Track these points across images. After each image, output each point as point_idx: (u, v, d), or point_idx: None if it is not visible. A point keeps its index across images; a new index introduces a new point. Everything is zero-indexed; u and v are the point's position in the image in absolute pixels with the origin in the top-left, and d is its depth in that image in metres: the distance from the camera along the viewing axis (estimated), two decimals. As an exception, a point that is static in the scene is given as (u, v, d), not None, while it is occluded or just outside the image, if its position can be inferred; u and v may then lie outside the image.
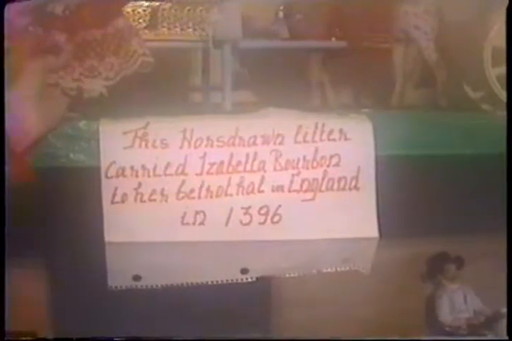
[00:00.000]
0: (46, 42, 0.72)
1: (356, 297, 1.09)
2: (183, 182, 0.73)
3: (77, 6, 0.74)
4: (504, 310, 0.86)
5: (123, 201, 0.72)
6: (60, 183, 0.80)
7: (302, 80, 0.94)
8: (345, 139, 0.76)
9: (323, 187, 0.76)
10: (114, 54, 0.75)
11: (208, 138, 0.73)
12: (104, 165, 0.72)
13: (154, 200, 0.73)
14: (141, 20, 0.83)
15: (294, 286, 1.00)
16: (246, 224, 0.75)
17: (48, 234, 0.95)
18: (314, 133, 0.75)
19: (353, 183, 0.76)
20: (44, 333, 0.91)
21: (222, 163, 0.74)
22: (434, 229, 1.05)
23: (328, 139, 0.75)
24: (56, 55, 0.72)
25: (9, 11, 0.70)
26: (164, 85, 0.89)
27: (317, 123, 0.75)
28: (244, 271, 0.77)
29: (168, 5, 0.83)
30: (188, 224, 0.74)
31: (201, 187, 0.74)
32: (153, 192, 0.73)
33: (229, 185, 0.74)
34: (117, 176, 0.72)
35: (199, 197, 0.74)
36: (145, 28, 0.83)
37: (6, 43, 0.69)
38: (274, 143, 0.74)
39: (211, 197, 0.74)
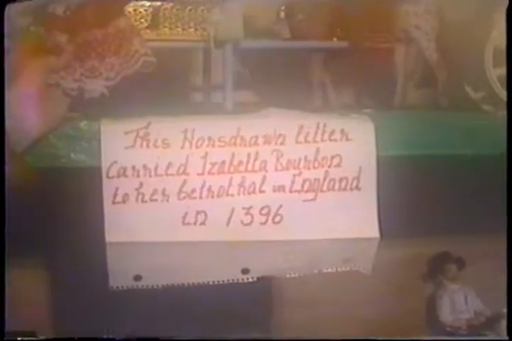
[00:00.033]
0: (47, 43, 0.72)
1: (357, 297, 1.09)
2: (185, 182, 0.73)
3: (78, 7, 0.74)
4: (505, 310, 0.86)
5: (124, 201, 0.73)
6: (61, 183, 0.80)
7: (303, 80, 0.94)
8: (347, 139, 0.76)
9: (325, 188, 0.76)
10: (115, 54, 0.75)
11: (210, 138, 0.73)
12: (105, 165, 0.72)
13: (155, 200, 0.73)
14: (142, 20, 0.83)
15: (294, 286, 1.00)
16: (247, 224, 0.75)
17: (48, 234, 0.95)
18: (316, 133, 0.75)
19: (355, 183, 0.76)
20: (45, 333, 0.91)
21: (223, 162, 0.74)
22: (435, 229, 1.04)
23: (330, 139, 0.75)
24: (57, 55, 0.72)
25: (10, 11, 0.70)
26: (165, 85, 0.89)
27: (318, 124, 0.75)
28: (245, 271, 0.77)
29: (169, 5, 0.83)
30: (189, 224, 0.74)
31: (202, 187, 0.74)
32: (155, 192, 0.73)
33: (230, 185, 0.74)
34: (118, 176, 0.72)
35: (200, 197, 0.74)
36: (146, 27, 0.83)
37: (7, 43, 0.69)
38: (276, 143, 0.75)
39: (212, 197, 0.74)
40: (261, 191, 0.75)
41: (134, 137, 0.72)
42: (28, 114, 0.68)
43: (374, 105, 0.94)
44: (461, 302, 1.03)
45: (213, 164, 0.74)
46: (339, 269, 0.80)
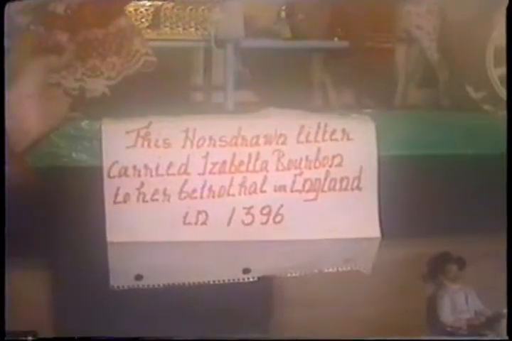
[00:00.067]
0: (48, 42, 0.72)
1: (358, 297, 1.09)
2: (186, 181, 0.73)
3: (79, 6, 0.74)
4: (505, 310, 0.86)
5: (125, 201, 0.72)
6: (62, 183, 0.80)
7: (304, 80, 0.94)
8: (348, 139, 0.76)
9: (326, 187, 0.76)
10: (116, 53, 0.75)
11: (211, 138, 0.73)
12: (106, 164, 0.72)
13: (156, 200, 0.73)
14: (143, 20, 0.83)
15: (295, 286, 1.00)
16: (248, 224, 0.75)
17: (50, 233, 0.95)
18: (317, 133, 0.75)
19: (356, 183, 0.76)
20: (46, 333, 0.91)
21: (224, 162, 0.74)
22: (435, 229, 1.05)
23: (331, 139, 0.75)
24: (58, 54, 0.72)
25: (10, 9, 0.70)
26: (166, 85, 0.88)
27: (319, 123, 0.75)
28: (246, 271, 0.77)
29: (170, 4, 0.82)
30: (190, 223, 0.74)
31: (203, 186, 0.74)
32: (156, 191, 0.73)
33: (231, 184, 0.74)
34: (120, 176, 0.72)
35: (201, 197, 0.74)
36: (147, 27, 0.83)
37: (7, 42, 0.69)
38: (277, 143, 0.74)
39: (213, 196, 0.74)
40: (262, 191, 0.75)
41: (135, 137, 0.72)
42: (29, 114, 0.68)
43: (375, 105, 0.94)
44: (461, 303, 1.03)
45: (214, 164, 0.74)
46: (340, 269, 0.80)
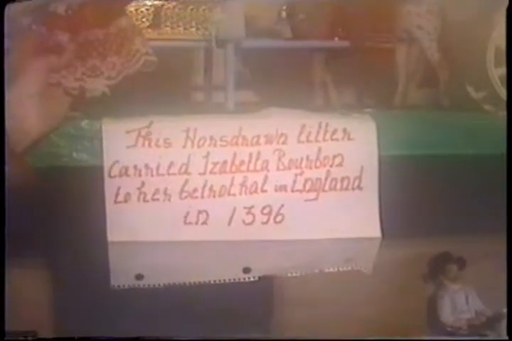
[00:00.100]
0: (48, 42, 0.72)
1: (358, 297, 1.09)
2: (186, 181, 0.73)
3: (80, 6, 0.74)
4: (505, 310, 0.86)
5: (126, 200, 0.72)
6: (63, 182, 0.80)
7: (305, 80, 0.94)
8: (349, 139, 0.75)
9: (326, 187, 0.76)
10: (117, 53, 0.75)
11: (211, 138, 0.73)
12: (107, 164, 0.72)
13: (157, 200, 0.73)
14: (144, 20, 0.83)
15: (296, 286, 1.00)
16: (249, 224, 0.75)
17: (50, 233, 0.95)
18: (318, 132, 0.75)
19: (356, 183, 0.76)
20: (46, 333, 0.91)
21: (225, 162, 0.74)
22: (436, 229, 1.05)
23: (332, 139, 0.75)
24: (58, 54, 0.72)
25: (10, 10, 0.70)
26: (167, 84, 0.89)
27: (320, 123, 0.75)
28: (246, 270, 0.77)
29: (171, 4, 0.83)
30: (190, 223, 0.74)
31: (204, 186, 0.74)
32: (157, 191, 0.73)
33: (232, 184, 0.74)
34: (120, 175, 0.72)
35: (202, 197, 0.74)
36: (148, 27, 0.83)
37: (7, 43, 0.69)
38: (278, 143, 0.74)
39: (214, 196, 0.74)
40: (263, 191, 0.75)
41: (135, 136, 0.72)
42: (29, 114, 0.68)
43: (375, 105, 0.94)
44: (462, 302, 1.03)
45: (215, 163, 0.74)
46: (340, 269, 0.80)
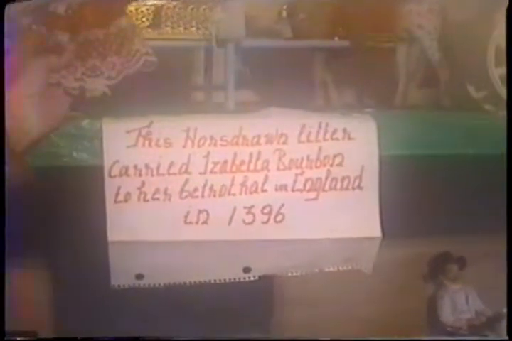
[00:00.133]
0: (48, 42, 0.72)
1: (358, 296, 1.09)
2: (187, 181, 0.73)
3: (80, 6, 0.74)
4: (505, 310, 0.86)
5: (126, 200, 0.72)
6: (63, 182, 0.80)
7: (305, 80, 0.94)
8: (349, 138, 0.76)
9: (327, 187, 0.76)
10: (117, 53, 0.75)
11: (212, 138, 0.73)
12: (107, 164, 0.72)
13: (157, 199, 0.73)
14: (144, 19, 0.83)
15: (296, 285, 1.00)
16: (249, 224, 0.75)
17: (50, 233, 0.95)
18: (318, 132, 0.75)
19: (357, 183, 0.76)
20: (46, 333, 0.91)
21: (225, 162, 0.74)
22: (436, 229, 1.05)
23: (332, 138, 0.75)
24: (58, 54, 0.72)
25: (10, 10, 0.70)
26: (167, 84, 0.88)
27: (321, 123, 0.75)
28: (246, 270, 0.77)
29: (171, 4, 0.82)
30: (191, 223, 0.74)
31: (204, 186, 0.74)
32: (157, 191, 0.73)
33: (232, 184, 0.74)
34: (121, 175, 0.72)
35: (202, 196, 0.74)
36: (148, 26, 0.83)
37: (7, 43, 0.69)
38: (278, 143, 0.74)
39: (214, 196, 0.74)
40: (263, 190, 0.75)
41: (136, 136, 0.72)
42: (29, 114, 0.68)
43: (376, 104, 0.94)
44: (462, 302, 1.03)
45: (215, 163, 0.74)
46: (340, 268, 0.80)
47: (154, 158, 0.72)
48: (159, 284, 0.76)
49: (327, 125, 0.75)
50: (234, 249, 0.76)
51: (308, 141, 0.75)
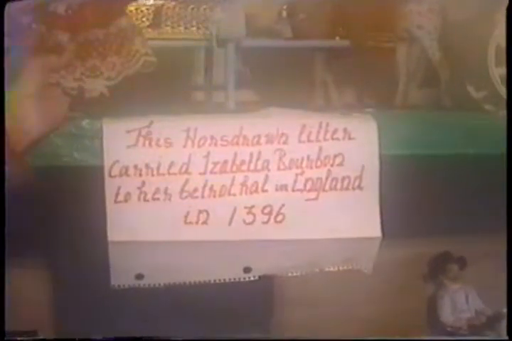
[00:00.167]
0: (48, 42, 0.72)
1: (358, 296, 1.09)
2: (187, 181, 0.73)
3: (80, 6, 0.73)
4: (505, 310, 0.86)
5: (126, 200, 0.72)
6: (63, 182, 0.80)
7: (305, 79, 0.94)
8: (349, 138, 0.75)
9: (327, 187, 0.76)
10: (116, 53, 0.75)
11: (212, 137, 0.73)
12: (107, 164, 0.72)
13: (158, 199, 0.73)
14: (144, 19, 0.83)
15: (296, 285, 1.00)
16: (249, 224, 0.75)
17: (50, 233, 0.95)
18: (318, 132, 0.75)
19: (357, 183, 0.76)
20: (46, 333, 0.91)
21: (225, 162, 0.74)
22: (436, 229, 1.05)
23: (332, 138, 0.75)
24: (58, 54, 0.72)
25: (11, 9, 0.70)
26: (167, 84, 0.88)
27: (321, 123, 0.75)
28: (247, 270, 0.77)
29: (171, 3, 0.83)
30: (191, 223, 0.74)
31: (205, 186, 0.74)
32: (157, 191, 0.73)
33: (232, 184, 0.74)
34: (121, 175, 0.72)
35: (202, 197, 0.74)
36: (148, 26, 0.83)
37: (7, 42, 0.69)
38: (278, 143, 0.74)
39: (214, 196, 0.74)
40: (263, 190, 0.75)
41: (136, 136, 0.72)
42: (28, 114, 0.68)
43: (376, 104, 0.94)
44: (462, 302, 1.03)
45: (216, 163, 0.73)
46: (341, 268, 0.80)
47: (154, 157, 0.72)
48: (159, 284, 0.76)
49: (327, 125, 0.75)
50: (234, 249, 0.76)
51: (309, 140, 0.75)
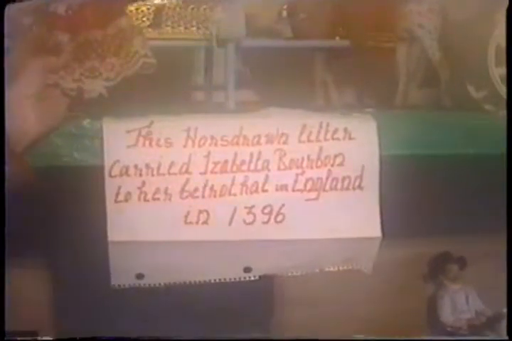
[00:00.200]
0: (48, 42, 0.72)
1: (358, 296, 1.09)
2: (187, 181, 0.73)
3: (80, 6, 0.73)
4: (505, 310, 0.86)
5: (126, 200, 0.72)
6: (64, 182, 0.80)
7: (305, 79, 0.94)
8: (350, 138, 0.76)
9: (327, 187, 0.76)
10: (115, 54, 0.75)
11: (212, 137, 0.73)
12: (107, 163, 0.72)
13: (158, 199, 0.73)
14: (144, 19, 0.83)
15: (296, 285, 1.00)
16: (249, 224, 0.75)
17: (50, 233, 0.95)
18: (318, 132, 0.75)
19: (357, 183, 0.76)
20: (46, 333, 0.91)
21: (226, 162, 0.74)
22: (436, 229, 1.05)
23: (333, 138, 0.75)
24: (57, 55, 0.72)
25: (10, 10, 0.70)
26: (167, 84, 0.88)
27: (321, 123, 0.75)
28: (247, 270, 0.78)
29: (172, 3, 0.83)
30: (191, 223, 0.74)
31: (205, 186, 0.74)
32: (157, 191, 0.73)
33: (233, 184, 0.74)
34: (121, 175, 0.72)
35: (203, 196, 0.74)
36: (149, 26, 0.83)
37: (7, 43, 0.69)
38: (278, 143, 0.74)
39: (215, 196, 0.74)
40: (263, 190, 0.75)
41: (136, 136, 0.72)
42: (27, 114, 0.68)
43: (376, 104, 0.94)
44: (462, 302, 1.03)
45: (216, 163, 0.74)
46: (341, 268, 0.80)
47: (155, 157, 0.72)
48: (159, 284, 0.76)
49: (328, 125, 0.75)
50: (234, 249, 0.76)
51: (309, 140, 0.75)
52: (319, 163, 0.75)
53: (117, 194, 0.72)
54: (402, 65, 0.91)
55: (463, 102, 0.89)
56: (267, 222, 0.75)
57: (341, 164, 0.76)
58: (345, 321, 1.07)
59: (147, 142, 0.72)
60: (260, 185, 0.75)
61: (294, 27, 0.89)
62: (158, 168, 0.72)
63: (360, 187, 0.76)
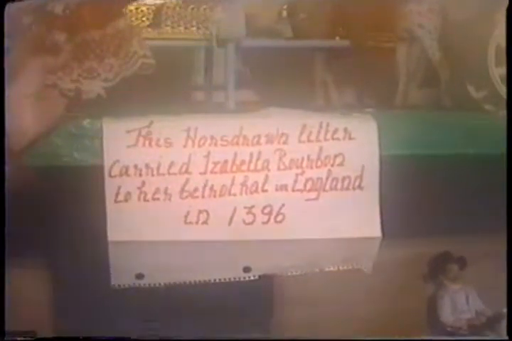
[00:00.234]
0: (46, 42, 0.72)
1: (358, 296, 1.09)
2: (187, 181, 0.73)
3: (78, 6, 0.73)
4: (505, 310, 0.86)
5: (126, 200, 0.72)
6: (63, 182, 0.80)
7: (305, 79, 0.94)
8: (350, 138, 0.75)
9: (327, 187, 0.76)
10: (114, 55, 0.75)
11: (212, 137, 0.73)
12: (107, 163, 0.72)
13: (158, 199, 0.73)
14: (144, 19, 0.83)
15: (296, 285, 1.00)
16: (249, 224, 0.75)
17: (50, 233, 0.95)
18: (318, 132, 0.75)
19: (357, 183, 0.76)
20: (46, 333, 0.91)
21: (226, 162, 0.74)
22: (436, 229, 1.05)
23: (333, 138, 0.75)
24: (55, 55, 0.72)
25: (10, 10, 0.70)
26: (167, 84, 0.88)
27: (321, 123, 0.75)
28: (246, 270, 0.77)
29: (171, 3, 0.82)
30: (191, 223, 0.74)
31: (205, 186, 0.73)
32: (157, 191, 0.73)
33: (233, 184, 0.74)
34: (121, 175, 0.72)
35: (203, 196, 0.74)
36: (148, 26, 0.83)
37: (7, 43, 0.69)
38: (278, 143, 0.74)
39: (215, 196, 0.74)
40: (263, 190, 0.75)
41: (136, 136, 0.72)
42: (26, 114, 0.68)
43: (376, 104, 0.93)
44: (462, 302, 1.03)
45: (216, 163, 0.73)
46: (340, 268, 0.80)
47: (154, 157, 0.72)
48: (159, 284, 0.76)
49: (328, 125, 0.75)
50: (234, 249, 0.76)
51: (309, 140, 0.75)
52: (319, 163, 0.75)
53: (117, 194, 0.72)
54: (402, 65, 0.90)
55: (463, 102, 0.89)
56: (266, 222, 0.75)
57: (341, 164, 0.76)
58: (345, 321, 1.07)
59: (147, 142, 0.72)
60: (260, 185, 0.74)
61: (294, 27, 0.89)
62: (158, 168, 0.72)
63: (360, 187, 0.76)
